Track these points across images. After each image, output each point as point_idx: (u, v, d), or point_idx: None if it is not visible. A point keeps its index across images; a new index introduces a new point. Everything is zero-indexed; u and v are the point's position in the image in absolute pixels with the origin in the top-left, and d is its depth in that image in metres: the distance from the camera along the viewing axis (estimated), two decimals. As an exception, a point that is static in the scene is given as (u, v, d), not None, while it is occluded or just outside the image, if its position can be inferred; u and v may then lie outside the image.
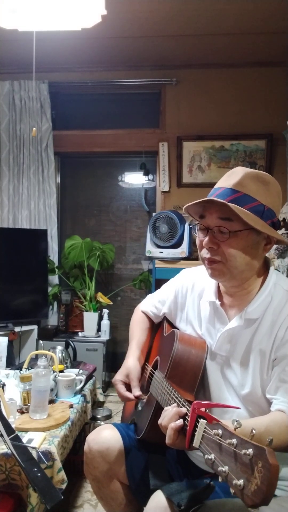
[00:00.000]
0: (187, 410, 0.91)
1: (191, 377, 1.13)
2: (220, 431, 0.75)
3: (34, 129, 2.74)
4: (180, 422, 0.91)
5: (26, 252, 3.36)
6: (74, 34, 2.49)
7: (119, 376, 1.31)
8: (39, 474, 1.06)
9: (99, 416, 2.68)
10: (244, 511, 0.94)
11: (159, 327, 1.45)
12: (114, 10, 2.61)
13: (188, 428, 0.86)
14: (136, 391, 1.26)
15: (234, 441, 0.70)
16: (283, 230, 2.62)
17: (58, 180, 3.90)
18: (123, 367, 1.33)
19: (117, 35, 3.10)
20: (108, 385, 3.50)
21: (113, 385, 1.32)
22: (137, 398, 1.26)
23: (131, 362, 1.33)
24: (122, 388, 1.28)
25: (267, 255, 1.17)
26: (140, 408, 1.33)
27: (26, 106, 3.60)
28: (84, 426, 2.06)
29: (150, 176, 3.78)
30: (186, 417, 0.90)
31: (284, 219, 2.62)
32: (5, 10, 1.87)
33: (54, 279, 3.66)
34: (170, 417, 0.93)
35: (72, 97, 3.87)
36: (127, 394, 1.27)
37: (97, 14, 1.89)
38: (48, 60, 3.43)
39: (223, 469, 0.70)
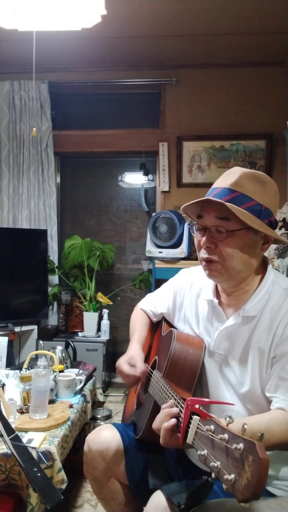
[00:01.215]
0: (180, 409, 0.92)
1: (189, 376, 1.13)
2: (212, 427, 0.75)
3: (34, 129, 2.74)
4: (173, 421, 0.91)
5: (26, 252, 3.36)
6: (74, 34, 2.49)
7: (122, 359, 1.28)
8: (39, 474, 1.06)
9: (99, 416, 2.68)
10: (243, 511, 0.94)
11: (158, 327, 1.46)
12: (114, 10, 2.61)
13: (181, 425, 0.87)
14: (141, 368, 1.22)
15: (226, 436, 0.70)
16: (283, 230, 2.62)
17: (58, 180, 3.90)
18: (125, 354, 1.31)
19: (117, 35, 3.10)
20: (108, 385, 3.50)
21: (116, 369, 1.28)
22: (141, 377, 1.23)
23: (134, 349, 1.31)
24: (126, 367, 1.24)
25: (267, 255, 1.17)
26: (139, 408, 1.34)
27: (26, 106, 3.61)
28: (84, 426, 2.06)
29: (150, 176, 3.78)
30: (181, 413, 0.90)
31: (284, 219, 2.62)
32: (5, 10, 1.87)
33: (54, 279, 3.66)
34: (161, 419, 0.94)
35: (72, 97, 3.87)
36: (132, 371, 1.23)
37: (97, 14, 1.89)
38: (48, 60, 3.43)
39: (215, 464, 0.70)
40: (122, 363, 1.27)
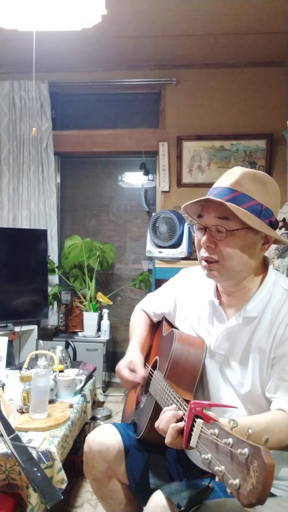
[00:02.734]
0: (184, 412, 0.91)
1: (190, 377, 1.13)
2: (216, 431, 0.75)
3: (34, 129, 2.73)
4: (182, 424, 0.91)
5: (26, 252, 3.36)
6: (74, 34, 2.49)
7: (122, 363, 1.29)
8: (39, 474, 1.06)
9: (99, 416, 2.68)
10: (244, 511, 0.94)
11: (159, 327, 1.46)
12: (114, 10, 2.60)
13: (185, 428, 0.86)
14: (141, 374, 1.23)
15: (230, 440, 0.70)
16: (283, 230, 2.62)
17: (58, 180, 3.90)
18: (125, 357, 1.32)
19: (117, 35, 3.10)
20: (108, 385, 3.50)
21: (116, 373, 1.29)
22: (141, 382, 1.23)
23: (133, 352, 1.32)
24: (126, 372, 1.25)
25: (267, 254, 1.17)
26: (140, 408, 1.33)
27: (26, 106, 3.61)
28: (84, 426, 2.06)
29: (150, 176, 3.78)
30: (184, 416, 0.90)
31: (284, 219, 2.62)
32: (5, 10, 1.87)
33: (54, 279, 3.66)
34: (168, 420, 0.94)
35: (72, 97, 3.87)
36: (132, 377, 1.24)
37: (97, 14, 1.89)
38: (48, 60, 3.43)
39: (220, 469, 0.70)
40: (122, 367, 1.27)
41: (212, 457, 0.74)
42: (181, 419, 0.92)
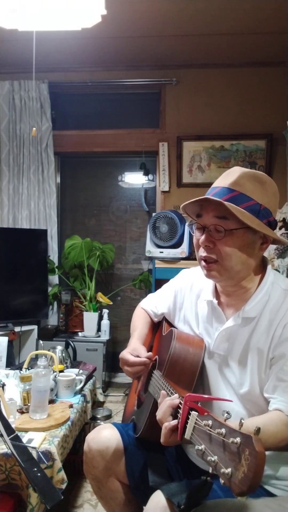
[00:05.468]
0: (180, 402, 0.92)
1: (188, 375, 1.14)
2: (210, 422, 0.76)
3: (34, 129, 2.73)
4: (174, 422, 0.92)
5: (26, 252, 3.36)
6: (74, 34, 2.49)
7: (125, 351, 1.28)
8: (39, 474, 1.06)
9: (99, 416, 2.68)
10: (244, 511, 0.94)
11: (159, 327, 1.46)
12: (114, 10, 2.61)
13: (180, 420, 0.87)
14: (146, 355, 1.22)
15: (223, 430, 0.71)
16: (283, 230, 2.62)
17: (58, 180, 3.90)
18: (127, 348, 1.31)
19: (117, 35, 3.10)
20: (108, 385, 3.50)
21: (120, 360, 1.27)
22: (147, 362, 1.22)
23: (135, 344, 1.31)
24: (131, 357, 1.24)
25: (266, 255, 1.17)
26: (140, 408, 1.34)
27: (26, 106, 3.61)
28: (84, 426, 2.07)
29: (150, 176, 3.78)
30: (179, 409, 0.91)
31: (284, 219, 2.62)
32: (5, 10, 1.87)
33: (54, 279, 3.66)
34: (164, 410, 0.95)
35: (72, 97, 3.87)
36: (137, 359, 1.23)
37: (97, 14, 1.89)
38: (48, 60, 3.43)
39: (212, 459, 0.71)
40: (126, 353, 1.26)
41: (205, 447, 0.74)
42: (177, 408, 0.92)
